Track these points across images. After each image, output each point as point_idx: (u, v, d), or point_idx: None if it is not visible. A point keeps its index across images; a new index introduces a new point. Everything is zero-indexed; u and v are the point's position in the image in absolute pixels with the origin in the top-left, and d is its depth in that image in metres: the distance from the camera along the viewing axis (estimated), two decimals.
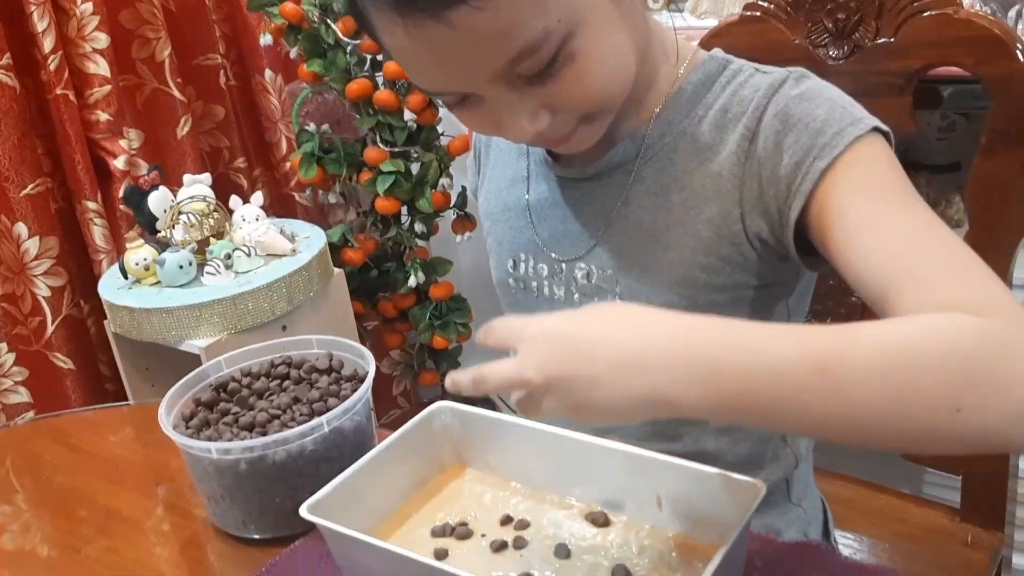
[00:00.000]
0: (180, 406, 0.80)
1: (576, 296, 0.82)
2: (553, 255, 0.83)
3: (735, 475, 0.63)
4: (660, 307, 0.67)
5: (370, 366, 0.79)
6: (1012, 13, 1.15)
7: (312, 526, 0.67)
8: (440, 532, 0.70)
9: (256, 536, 0.76)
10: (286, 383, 0.82)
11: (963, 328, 0.53)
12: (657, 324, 0.55)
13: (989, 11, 1.16)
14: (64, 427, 1.03)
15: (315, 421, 0.73)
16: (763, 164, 0.71)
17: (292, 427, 0.73)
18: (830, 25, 1.08)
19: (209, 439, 0.74)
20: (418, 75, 0.68)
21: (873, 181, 0.67)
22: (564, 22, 0.64)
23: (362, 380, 0.78)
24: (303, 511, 0.65)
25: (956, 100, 1.33)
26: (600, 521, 0.69)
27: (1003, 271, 1.03)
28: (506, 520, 0.70)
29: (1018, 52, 0.96)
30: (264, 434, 0.74)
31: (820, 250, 0.69)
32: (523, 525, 0.70)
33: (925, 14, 1.00)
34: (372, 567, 0.65)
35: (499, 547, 0.67)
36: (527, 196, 0.86)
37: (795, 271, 0.80)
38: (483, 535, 0.69)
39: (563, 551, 0.66)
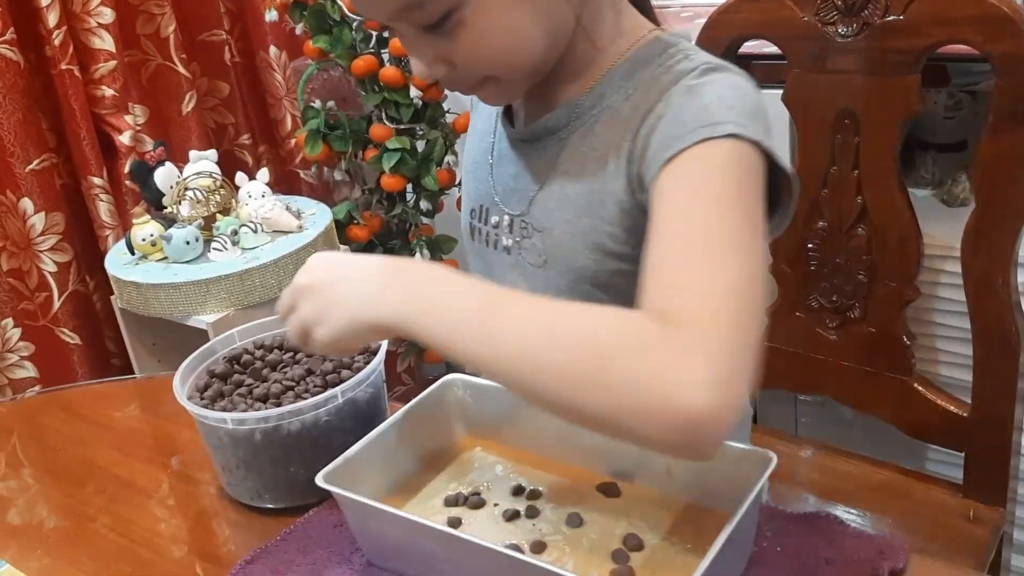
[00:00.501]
0: (194, 378, 0.81)
1: (520, 250, 0.86)
2: (504, 208, 0.87)
3: (745, 445, 0.64)
4: (575, 271, 0.79)
5: (382, 340, 0.80)
6: None
7: (326, 496, 0.69)
8: (453, 502, 0.71)
9: (270, 506, 0.77)
10: (299, 355, 0.82)
11: (622, 324, 0.59)
12: (385, 258, 0.69)
13: None
14: (74, 399, 1.04)
15: (329, 392, 0.74)
16: (640, 146, 0.74)
17: (306, 398, 0.74)
18: (839, 2, 1.09)
19: (224, 410, 0.75)
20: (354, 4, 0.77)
21: (693, 185, 0.68)
22: None
23: (375, 353, 0.79)
24: (319, 480, 0.66)
25: (963, 78, 1.34)
26: (610, 491, 0.70)
27: (1009, 249, 1.05)
28: (518, 490, 0.71)
29: None
30: (279, 405, 0.74)
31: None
32: (535, 495, 0.71)
33: None
34: (388, 535, 0.66)
35: (511, 516, 0.68)
36: (491, 151, 0.91)
37: None
38: (496, 504, 0.70)
39: (575, 520, 0.67)
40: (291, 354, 0.83)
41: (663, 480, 0.68)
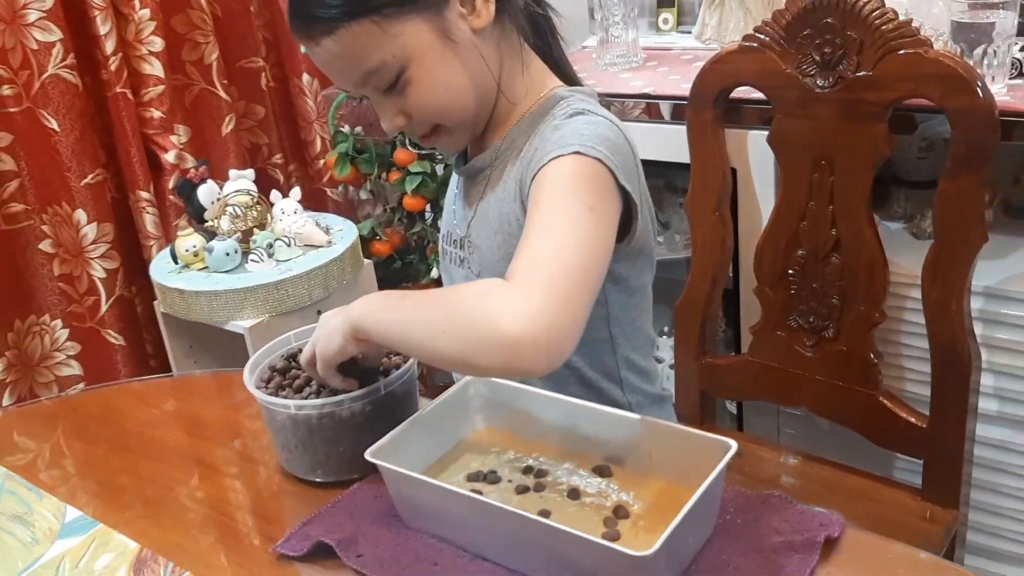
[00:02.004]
0: (258, 372, 0.96)
1: (467, 263, 1.07)
2: (458, 231, 1.09)
3: (711, 435, 0.78)
4: (499, 274, 0.93)
5: None
6: (978, 52, 1.29)
7: (369, 471, 0.84)
8: (474, 478, 0.86)
9: (321, 480, 0.92)
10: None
11: (477, 287, 0.81)
12: (377, 293, 0.89)
13: (958, 50, 1.29)
14: (146, 391, 1.18)
15: (373, 386, 0.89)
16: (524, 172, 0.95)
17: (353, 391, 0.89)
18: (818, 58, 1.22)
19: (285, 399, 0.90)
20: (327, 74, 0.97)
21: (549, 189, 0.87)
22: (398, 58, 0.91)
23: (408, 358, 0.94)
24: (368, 455, 0.80)
25: (937, 126, 1.46)
26: (604, 472, 0.84)
27: (963, 278, 1.16)
28: (527, 470, 0.86)
29: (978, 89, 1.09)
30: (331, 396, 0.89)
31: None
32: (542, 474, 0.85)
33: (900, 52, 1.14)
34: (422, 501, 0.80)
35: (522, 490, 0.83)
36: (456, 188, 1.12)
37: None
38: (509, 481, 0.85)
39: (574, 494, 0.82)
40: None
41: (646, 464, 0.83)
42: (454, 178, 1.13)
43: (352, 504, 0.87)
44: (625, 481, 0.83)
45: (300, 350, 0.98)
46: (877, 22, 1.17)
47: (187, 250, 1.79)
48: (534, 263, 0.79)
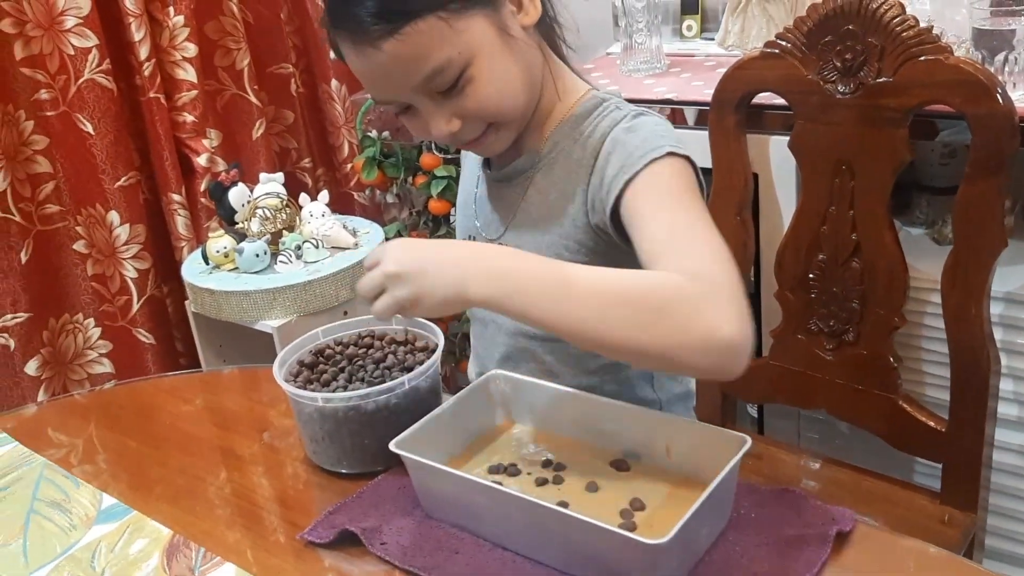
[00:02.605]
0: (287, 367, 0.99)
1: None
2: (485, 235, 1.09)
3: (726, 430, 0.80)
4: None
5: (439, 339, 0.98)
6: (999, 58, 1.30)
7: (393, 463, 0.86)
8: (495, 470, 0.88)
9: (346, 471, 0.94)
10: (371, 351, 1.00)
11: (666, 282, 0.78)
12: (471, 244, 0.89)
13: (979, 56, 1.30)
14: (177, 385, 1.22)
15: (397, 380, 0.91)
16: (595, 175, 0.95)
17: (379, 384, 0.91)
18: (839, 64, 1.23)
19: (313, 391, 0.93)
20: (369, 87, 0.96)
21: (658, 190, 0.89)
22: (463, 54, 0.90)
23: (433, 351, 0.97)
24: (392, 446, 0.83)
25: (958, 132, 1.46)
26: (621, 466, 0.86)
27: (982, 283, 1.17)
28: (547, 463, 0.88)
29: (998, 95, 1.10)
30: (358, 389, 0.92)
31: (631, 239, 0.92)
32: (560, 467, 0.88)
33: (920, 58, 1.16)
34: (445, 492, 0.83)
35: (542, 483, 0.85)
36: (476, 192, 1.12)
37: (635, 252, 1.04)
38: (529, 473, 0.87)
39: (592, 487, 0.84)
40: (364, 349, 1.01)
41: (663, 459, 0.85)
42: (472, 180, 1.14)
43: (376, 494, 0.90)
44: (642, 475, 0.85)
45: (328, 346, 1.01)
46: (898, 29, 1.17)
47: (218, 251, 1.83)
48: (709, 263, 0.80)
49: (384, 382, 0.92)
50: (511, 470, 0.87)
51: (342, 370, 0.97)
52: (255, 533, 0.89)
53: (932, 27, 1.18)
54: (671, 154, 0.90)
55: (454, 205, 2.03)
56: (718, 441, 0.81)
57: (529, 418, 0.94)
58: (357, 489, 0.91)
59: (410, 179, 2.07)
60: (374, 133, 2.06)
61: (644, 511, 0.80)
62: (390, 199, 2.16)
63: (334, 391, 0.93)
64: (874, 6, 1.19)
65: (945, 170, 1.61)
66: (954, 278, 1.20)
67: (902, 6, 1.19)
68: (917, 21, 1.18)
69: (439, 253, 0.84)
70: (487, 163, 1.11)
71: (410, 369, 0.95)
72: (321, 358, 1.00)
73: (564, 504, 0.81)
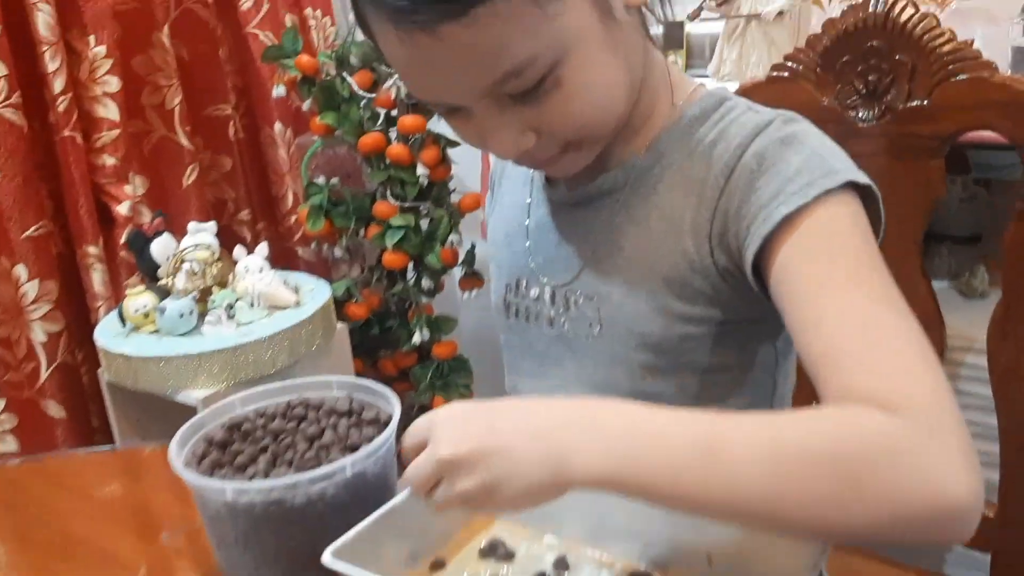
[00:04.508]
0: (191, 446, 0.76)
1: (564, 322, 0.82)
2: (544, 279, 0.84)
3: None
4: (638, 336, 0.77)
5: (395, 409, 0.75)
6: None
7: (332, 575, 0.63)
8: None
9: None
10: (303, 425, 0.78)
11: (858, 426, 0.55)
12: (563, 401, 0.60)
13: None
14: (57, 468, 0.98)
15: (336, 464, 0.68)
16: (731, 201, 0.71)
17: (312, 470, 0.69)
18: (861, 87, 1.08)
19: (223, 479, 0.70)
20: (410, 82, 0.70)
21: (827, 247, 0.65)
22: (552, 49, 0.65)
23: (386, 424, 0.74)
24: (326, 557, 0.60)
25: (979, 169, 1.34)
26: None
27: None
28: None
29: None
30: (282, 476, 0.69)
31: (776, 308, 0.68)
32: None
33: (960, 77, 1.00)
34: None
35: None
36: (527, 221, 0.87)
37: (774, 310, 0.77)
38: None
39: None
40: (294, 423, 0.78)
41: (704, 570, 0.63)
42: (518, 204, 0.89)
43: None
44: None
45: (246, 419, 0.78)
46: (932, 44, 1.02)
47: (136, 310, 1.60)
48: (916, 383, 0.57)
49: (319, 466, 0.69)
50: None
51: (264, 450, 0.74)
52: None
53: (972, 41, 1.03)
54: (850, 185, 0.66)
55: (412, 258, 1.84)
56: (780, 542, 0.59)
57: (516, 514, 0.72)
58: None
59: (362, 230, 1.87)
60: (321, 179, 1.86)
61: None
62: (339, 253, 1.95)
63: (251, 478, 0.70)
64: (903, 18, 1.04)
65: (965, 216, 1.46)
66: (1004, 334, 1.04)
67: (936, 18, 1.03)
68: (954, 34, 1.02)
69: (513, 424, 0.60)
70: (548, 178, 0.86)
71: (354, 449, 0.72)
72: (237, 434, 0.77)
73: None
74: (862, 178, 0.68)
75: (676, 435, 0.57)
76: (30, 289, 1.71)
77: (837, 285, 0.63)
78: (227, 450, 0.75)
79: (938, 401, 0.55)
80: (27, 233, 1.69)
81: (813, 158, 0.68)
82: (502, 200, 0.94)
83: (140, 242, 1.67)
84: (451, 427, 0.60)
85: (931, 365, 0.58)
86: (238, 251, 1.70)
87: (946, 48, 1.01)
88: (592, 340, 0.80)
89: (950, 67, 1.01)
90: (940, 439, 0.54)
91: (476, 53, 0.64)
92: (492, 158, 0.96)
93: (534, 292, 0.85)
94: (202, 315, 1.60)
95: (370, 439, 0.73)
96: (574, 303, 0.81)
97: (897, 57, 1.04)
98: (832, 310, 0.62)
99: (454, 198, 1.85)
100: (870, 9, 1.04)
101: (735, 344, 0.78)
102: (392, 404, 0.76)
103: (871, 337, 0.59)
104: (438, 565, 0.68)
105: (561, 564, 0.66)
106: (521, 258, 0.86)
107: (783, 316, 0.66)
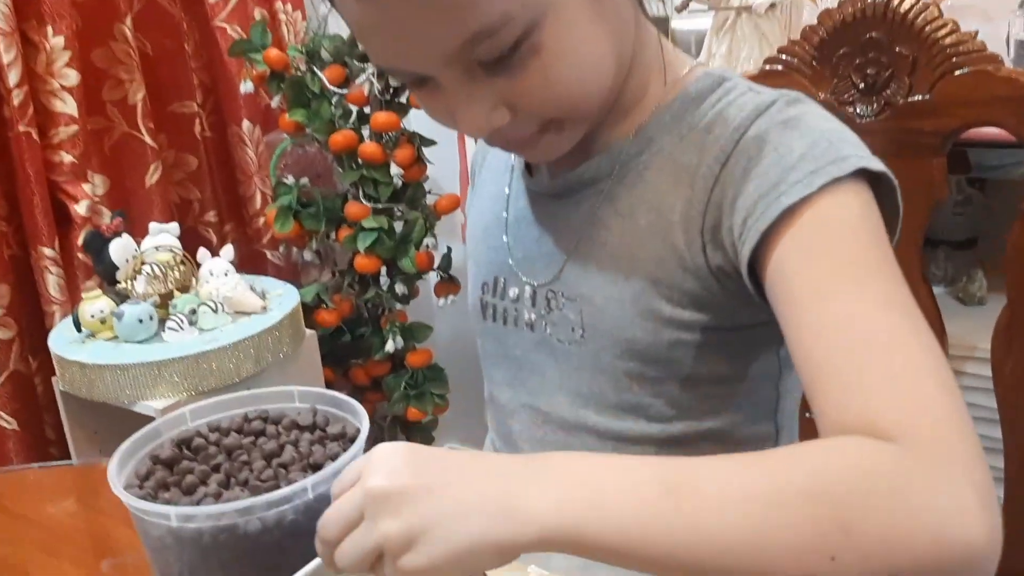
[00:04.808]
0: (134, 464, 0.68)
1: (546, 326, 0.75)
2: (525, 278, 0.77)
3: None
4: (623, 343, 0.70)
5: (363, 423, 0.68)
6: None
7: None
8: None
9: None
10: (261, 440, 0.70)
11: (848, 459, 0.48)
12: (519, 455, 0.54)
13: None
14: (1, 486, 0.90)
15: (297, 485, 0.61)
16: (727, 191, 0.64)
17: (269, 492, 0.61)
18: (859, 81, 1.03)
19: (167, 503, 0.62)
20: (371, 46, 0.63)
21: (831, 243, 0.58)
22: (529, 8, 0.58)
23: (352, 439, 0.67)
24: None
25: (978, 169, 1.29)
26: None
27: None
28: None
29: None
30: (235, 499, 0.62)
31: (773, 311, 0.61)
32: None
33: (963, 71, 0.95)
34: None
35: None
36: (506, 214, 0.80)
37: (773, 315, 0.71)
38: None
39: None
40: (251, 439, 0.71)
41: None
42: (496, 196, 0.82)
43: None
44: None
45: (197, 433, 0.70)
46: (934, 35, 0.97)
47: (92, 315, 1.51)
48: (926, 408, 0.50)
49: (277, 488, 0.62)
50: None
51: (215, 469, 0.67)
52: None
53: (976, 32, 0.98)
54: (862, 173, 0.60)
55: (385, 262, 1.76)
56: None
57: None
58: None
59: (332, 233, 1.79)
60: (290, 179, 1.78)
61: None
62: (308, 256, 1.87)
63: (199, 502, 0.62)
64: (904, 8, 0.99)
65: (960, 220, 1.42)
66: (1009, 342, 0.99)
67: (938, 7, 0.99)
68: (957, 26, 0.98)
69: (460, 464, 0.51)
70: (528, 166, 0.79)
71: (317, 468, 0.65)
72: (186, 451, 0.69)
73: None
74: (876, 164, 0.61)
75: (637, 476, 0.49)
76: None
77: (840, 288, 0.56)
78: (174, 469, 0.67)
79: (949, 428, 0.48)
80: None
81: (820, 143, 0.61)
82: (481, 192, 0.86)
83: (98, 243, 1.59)
84: (388, 460, 0.51)
85: (945, 385, 0.51)
86: (202, 254, 1.62)
87: (948, 40, 0.96)
88: (575, 346, 0.73)
89: (953, 60, 0.96)
90: (947, 472, 0.47)
91: (441, 9, 0.57)
92: (471, 149, 0.90)
93: (513, 292, 0.78)
94: (163, 321, 1.52)
95: (335, 456, 0.65)
96: (556, 305, 0.74)
97: (897, 49, 0.98)
98: (832, 317, 0.55)
99: (430, 200, 1.78)
100: None
101: (730, 352, 0.71)
102: (360, 417, 0.69)
103: (876, 351, 0.52)
104: None
105: None
106: (499, 254, 0.79)
107: (779, 321, 0.59)
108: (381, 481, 0.49)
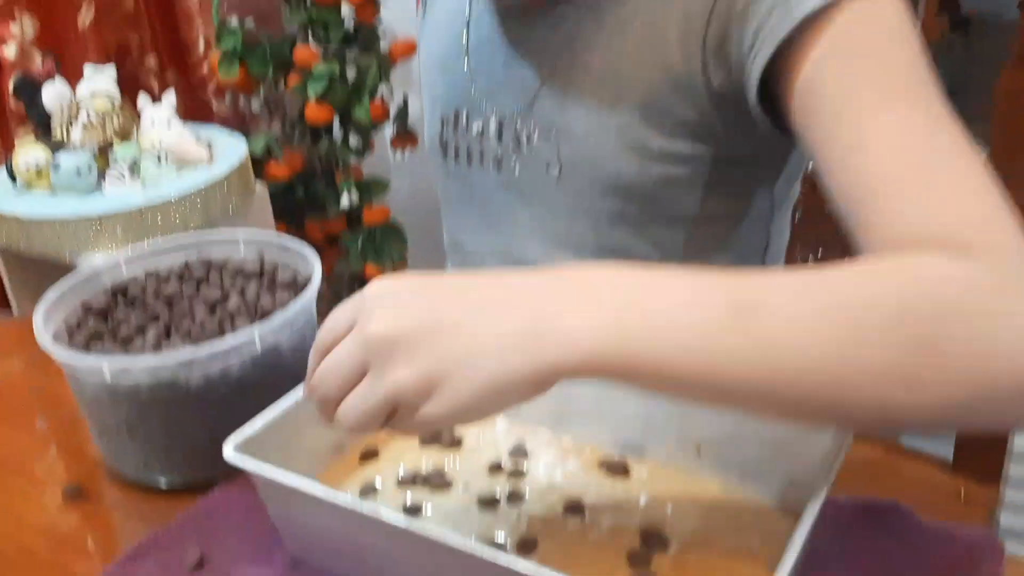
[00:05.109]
0: (64, 314, 0.62)
1: (515, 164, 0.68)
2: (489, 110, 0.69)
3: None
4: (605, 179, 0.63)
5: (315, 268, 0.62)
6: None
7: (237, 471, 0.50)
8: (409, 481, 0.54)
9: (163, 479, 0.59)
10: (203, 288, 0.64)
11: (928, 277, 0.42)
12: (538, 269, 0.44)
13: None
14: None
15: (243, 336, 0.55)
16: (735, 0, 0.56)
17: (212, 343, 0.55)
18: None
19: (101, 355, 0.56)
20: None
21: (870, 49, 0.51)
22: None
23: (303, 287, 0.61)
24: (227, 451, 0.48)
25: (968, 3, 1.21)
26: (618, 470, 0.53)
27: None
28: (495, 468, 0.55)
29: None
30: (175, 350, 0.56)
31: (796, 134, 0.54)
32: (517, 474, 0.54)
33: None
34: (321, 525, 0.48)
35: (488, 502, 0.52)
36: (467, 38, 0.71)
37: (776, 148, 0.65)
38: (465, 485, 0.53)
39: (573, 508, 0.51)
40: (193, 285, 0.64)
41: (688, 457, 0.52)
42: (455, 18, 0.73)
43: (210, 522, 0.55)
44: (655, 486, 0.52)
45: (133, 280, 0.64)
46: None
47: (27, 166, 1.42)
48: (988, 216, 0.44)
49: (222, 338, 0.56)
50: (435, 481, 0.54)
51: (154, 319, 0.61)
52: None
53: None
54: None
55: (337, 112, 1.66)
56: (785, 434, 0.48)
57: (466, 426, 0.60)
58: (178, 511, 0.56)
59: (282, 81, 1.68)
60: (235, 20, 1.65)
61: (668, 552, 0.48)
62: (256, 107, 1.76)
63: (135, 354, 0.56)
64: None
65: (941, 67, 1.35)
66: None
67: None
68: None
69: (474, 294, 0.43)
70: None
71: (265, 316, 0.60)
72: (122, 300, 0.63)
73: (529, 544, 0.48)
74: None
75: (698, 290, 0.42)
76: None
77: (882, 103, 0.49)
78: (109, 319, 0.61)
79: (1018, 239, 0.44)
80: None
81: None
82: (436, 12, 0.77)
83: (29, 89, 1.48)
84: (387, 301, 0.43)
85: (1004, 201, 0.45)
86: (142, 100, 1.51)
87: None
88: (549, 186, 0.66)
89: None
90: None
91: None
92: None
93: (476, 126, 0.70)
94: (103, 172, 1.43)
95: (284, 304, 0.60)
96: (526, 140, 0.67)
97: None
98: (880, 131, 0.48)
99: (384, 45, 1.67)
100: None
101: (726, 190, 0.65)
102: (311, 263, 0.63)
103: (933, 162, 0.47)
104: (370, 455, 0.56)
105: (519, 451, 0.55)
106: (460, 84, 0.71)
107: (808, 146, 0.52)
108: (382, 326, 0.42)
